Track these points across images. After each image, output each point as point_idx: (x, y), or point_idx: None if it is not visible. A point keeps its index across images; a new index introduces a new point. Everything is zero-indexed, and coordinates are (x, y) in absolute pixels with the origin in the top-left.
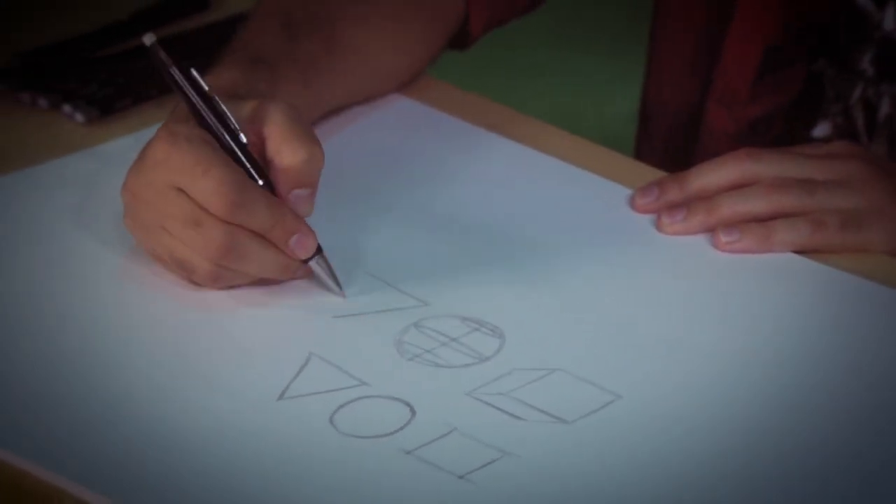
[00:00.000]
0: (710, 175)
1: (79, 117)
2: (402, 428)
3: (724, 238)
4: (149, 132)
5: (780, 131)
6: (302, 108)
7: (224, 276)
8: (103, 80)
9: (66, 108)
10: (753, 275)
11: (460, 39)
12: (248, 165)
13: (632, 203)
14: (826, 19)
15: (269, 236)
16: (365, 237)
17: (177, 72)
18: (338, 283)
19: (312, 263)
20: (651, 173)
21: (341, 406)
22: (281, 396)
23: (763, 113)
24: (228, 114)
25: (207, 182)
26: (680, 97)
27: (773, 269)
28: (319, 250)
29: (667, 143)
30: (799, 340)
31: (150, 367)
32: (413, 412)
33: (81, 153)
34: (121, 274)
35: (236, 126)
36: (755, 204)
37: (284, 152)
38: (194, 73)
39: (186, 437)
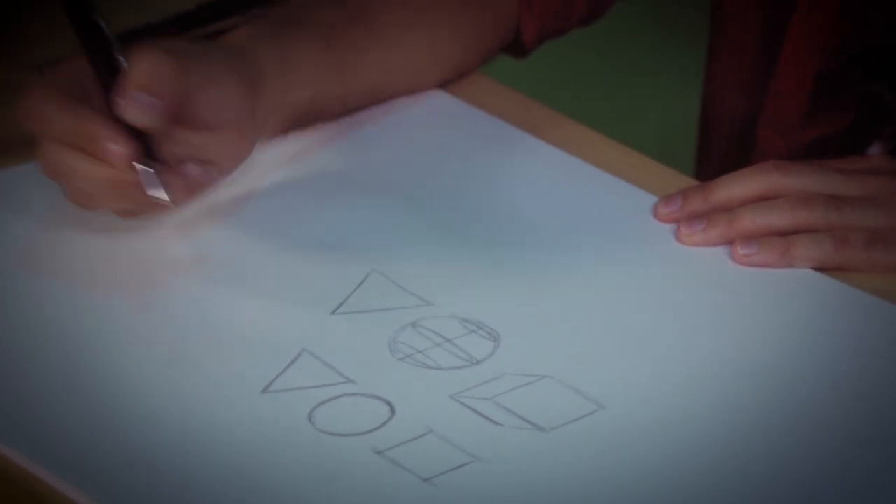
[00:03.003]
0: (735, 186)
1: None
2: (378, 427)
3: (741, 250)
4: None
5: (834, 154)
6: (323, 70)
7: (75, 196)
8: None
9: None
10: (769, 290)
11: (518, 48)
12: (105, 79)
13: (655, 211)
14: (881, 41)
15: (87, 147)
16: (377, 233)
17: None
18: (164, 195)
19: (138, 168)
20: (685, 183)
21: (322, 402)
22: (265, 390)
23: (818, 136)
24: (112, 40)
25: (21, 100)
26: (734, 116)
27: (789, 286)
28: (154, 158)
29: (722, 161)
30: (809, 361)
31: (143, 355)
32: (393, 412)
33: None
34: (117, 261)
35: (115, 48)
36: (778, 217)
37: (138, 57)
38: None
39: (168, 425)
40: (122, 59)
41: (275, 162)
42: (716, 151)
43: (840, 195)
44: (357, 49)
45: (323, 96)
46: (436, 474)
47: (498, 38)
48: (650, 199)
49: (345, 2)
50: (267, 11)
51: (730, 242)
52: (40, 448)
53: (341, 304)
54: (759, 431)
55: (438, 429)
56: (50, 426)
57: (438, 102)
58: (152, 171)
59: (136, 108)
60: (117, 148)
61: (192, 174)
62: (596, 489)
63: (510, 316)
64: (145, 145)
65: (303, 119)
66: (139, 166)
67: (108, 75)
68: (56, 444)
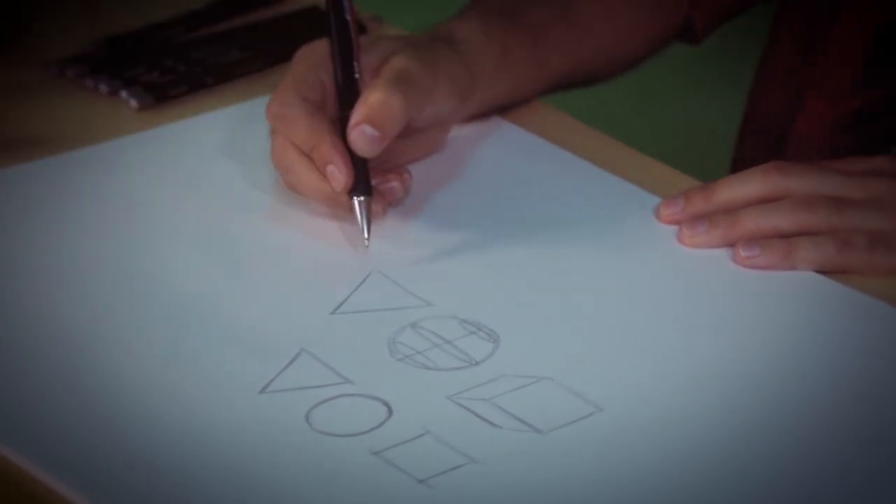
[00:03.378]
0: (738, 188)
1: (133, 103)
2: (375, 428)
3: (743, 252)
4: (190, 121)
5: (880, 131)
6: (527, 66)
7: (288, 186)
8: (167, 67)
9: (123, 93)
10: (770, 292)
11: (692, 34)
12: (341, 92)
13: (657, 213)
14: None
15: (313, 158)
16: (380, 233)
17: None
18: (367, 231)
19: (354, 201)
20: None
21: (320, 403)
22: (263, 390)
23: (869, 103)
24: (355, 46)
25: (272, 97)
26: (776, 112)
27: (791, 287)
28: (367, 192)
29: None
30: (809, 363)
31: (143, 354)
32: (390, 413)
33: (117, 141)
34: (126, 258)
35: (356, 57)
36: (780, 219)
37: (369, 90)
38: (346, 1)
39: (167, 425)
40: (356, 66)
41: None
42: (752, 155)
43: (842, 197)
44: (557, 49)
45: (517, 91)
46: (431, 475)
47: (671, 25)
48: (653, 200)
49: (553, 1)
50: (477, 4)
51: (731, 244)
52: (39, 448)
53: (341, 303)
54: (757, 433)
55: (435, 430)
56: (49, 426)
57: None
58: (363, 201)
59: (363, 140)
60: (339, 176)
61: (394, 195)
62: (593, 491)
63: (510, 317)
64: (363, 170)
65: (492, 110)
66: (355, 199)
67: (346, 85)
68: (55, 444)
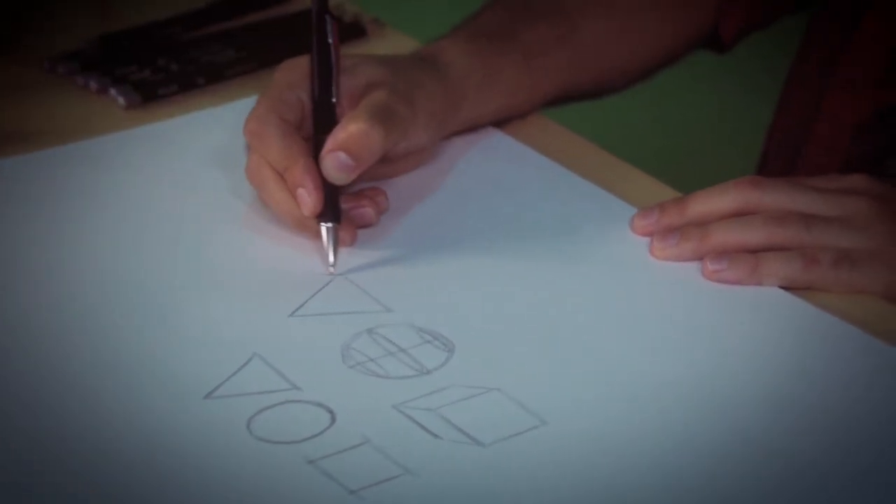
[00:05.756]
0: (711, 201)
1: (121, 101)
2: (315, 436)
3: (711, 266)
4: (175, 121)
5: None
6: (519, 87)
7: (262, 200)
8: (159, 66)
9: (112, 91)
10: (731, 308)
11: (717, 41)
12: (317, 115)
13: (631, 223)
14: None
15: (286, 179)
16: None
17: (315, 20)
18: (332, 259)
19: (321, 227)
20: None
21: (263, 409)
22: (208, 395)
23: (890, 104)
24: (335, 69)
25: (250, 114)
26: (799, 113)
27: (752, 303)
28: (336, 219)
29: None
30: (761, 380)
31: (92, 351)
32: (333, 421)
33: (99, 139)
34: (88, 256)
35: (335, 81)
36: (749, 234)
37: (349, 118)
38: (329, 23)
39: (107, 425)
40: (335, 90)
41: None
42: (773, 164)
43: (814, 214)
44: (557, 69)
45: (507, 110)
46: (363, 486)
47: (694, 35)
48: (630, 211)
49: (553, 17)
50: (472, 17)
51: (701, 258)
52: None
53: (300, 306)
54: (704, 452)
55: (375, 439)
56: None
57: None
58: (330, 227)
59: (336, 167)
60: (308, 200)
61: (366, 221)
62: None
63: (469, 327)
64: (333, 195)
65: (477, 127)
66: (322, 225)
67: (323, 109)
68: None
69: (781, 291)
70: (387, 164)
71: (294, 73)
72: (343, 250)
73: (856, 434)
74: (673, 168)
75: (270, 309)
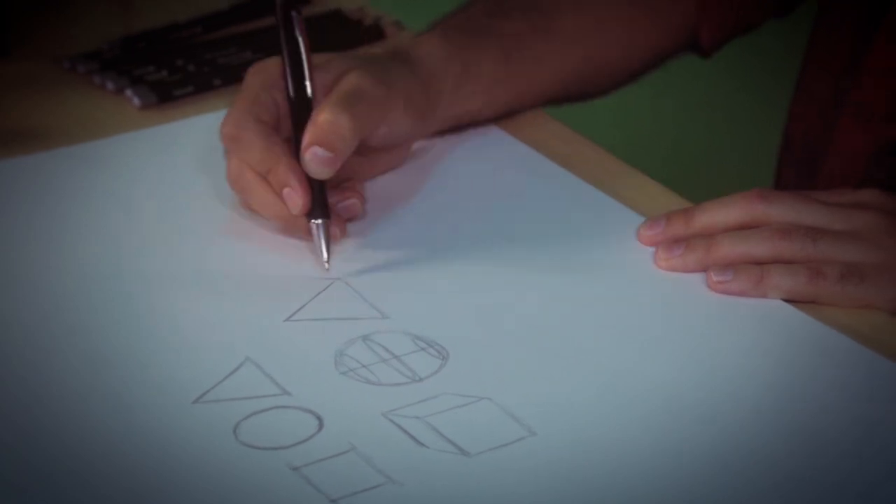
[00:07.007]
0: (718, 213)
1: (136, 101)
2: (301, 442)
3: (716, 277)
4: (185, 122)
5: None
6: (497, 80)
7: (246, 206)
8: (176, 67)
9: (128, 91)
10: (733, 321)
11: (700, 47)
12: (294, 112)
13: (638, 233)
14: None
15: (269, 180)
16: (349, 242)
17: (281, 15)
18: (326, 255)
19: (311, 225)
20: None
21: (251, 415)
22: (197, 399)
23: None
24: (306, 64)
25: (225, 118)
26: (811, 137)
27: (755, 316)
28: (325, 215)
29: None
30: (760, 393)
31: (85, 354)
32: (320, 427)
33: (110, 139)
34: (87, 256)
35: (307, 76)
36: (755, 246)
37: (317, 110)
38: (295, 19)
39: (95, 429)
40: (308, 85)
41: None
42: (786, 182)
43: (821, 228)
44: (536, 60)
45: (492, 105)
46: (344, 495)
47: (676, 39)
48: (636, 219)
49: (528, 12)
50: (447, 17)
51: (706, 269)
52: None
53: (296, 311)
54: (695, 468)
55: (361, 447)
56: None
57: None
58: (321, 224)
59: (315, 162)
60: (296, 198)
61: (353, 212)
62: None
63: (465, 335)
64: (319, 191)
65: (464, 124)
66: (312, 223)
67: (299, 105)
68: None
69: (785, 304)
70: (374, 156)
71: (266, 74)
72: (341, 254)
73: (857, 449)
74: (682, 175)
75: (266, 313)
